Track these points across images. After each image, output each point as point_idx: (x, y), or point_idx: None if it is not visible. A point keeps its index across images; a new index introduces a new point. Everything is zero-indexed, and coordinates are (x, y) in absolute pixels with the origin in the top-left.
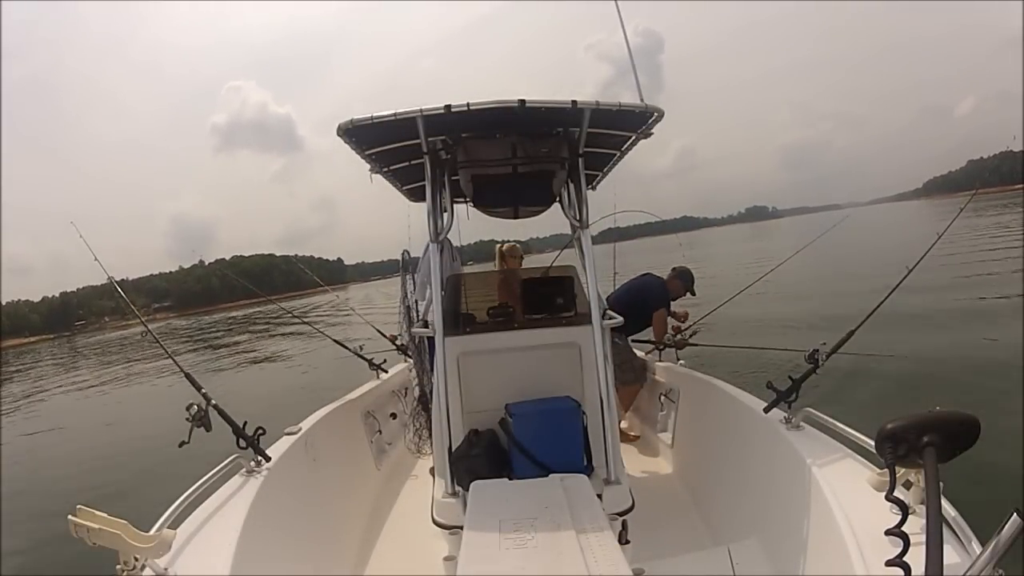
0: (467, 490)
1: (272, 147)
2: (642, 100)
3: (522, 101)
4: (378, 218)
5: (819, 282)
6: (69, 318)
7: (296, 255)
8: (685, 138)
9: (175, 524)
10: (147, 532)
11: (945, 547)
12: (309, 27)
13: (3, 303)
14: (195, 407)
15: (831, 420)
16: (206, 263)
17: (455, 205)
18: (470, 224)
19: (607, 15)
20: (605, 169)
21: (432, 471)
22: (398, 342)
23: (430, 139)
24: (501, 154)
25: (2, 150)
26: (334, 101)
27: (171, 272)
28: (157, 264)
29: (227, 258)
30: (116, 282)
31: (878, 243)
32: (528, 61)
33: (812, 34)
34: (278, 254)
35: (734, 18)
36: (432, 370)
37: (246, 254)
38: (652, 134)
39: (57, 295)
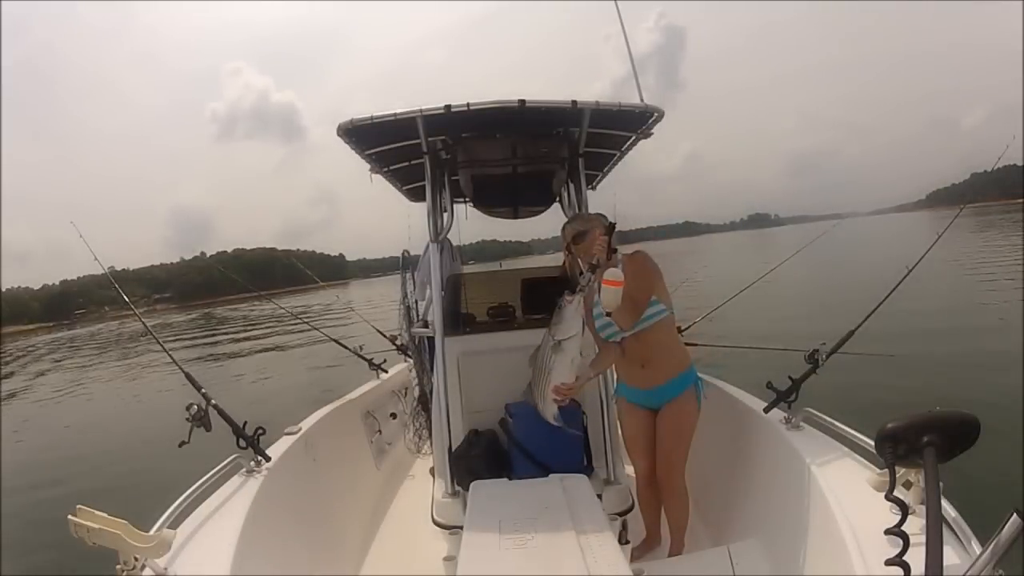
0: (467, 490)
1: (273, 136)
2: (642, 100)
3: (522, 101)
4: (381, 212)
5: (818, 286)
6: (69, 306)
7: (298, 249)
8: (694, 141)
9: (175, 524)
10: (147, 532)
11: (945, 547)
12: (312, 12)
13: (2, 290)
14: (195, 407)
15: (831, 420)
16: (207, 255)
17: (455, 205)
18: (471, 223)
19: (628, 8)
20: (605, 169)
21: (432, 471)
22: (398, 342)
23: (430, 139)
24: (501, 154)
25: (1, 137)
26: (338, 87)
27: (172, 263)
28: (156, 253)
29: (228, 251)
30: (115, 272)
31: (878, 251)
32: (543, 55)
33: (826, 40)
34: (279, 248)
35: (752, 19)
36: (432, 370)
37: (248, 247)
38: (652, 134)
39: (57, 283)
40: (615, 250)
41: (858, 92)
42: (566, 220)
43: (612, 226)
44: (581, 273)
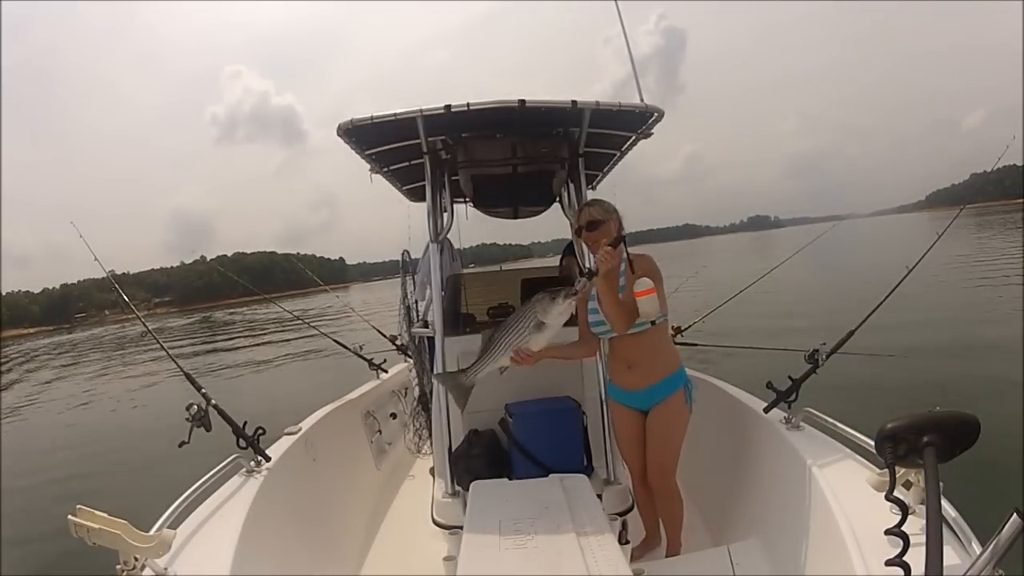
0: (467, 490)
1: (274, 139)
2: (642, 100)
3: (522, 101)
4: (381, 215)
5: (818, 287)
6: (69, 310)
7: (298, 253)
8: (694, 144)
9: (175, 524)
10: (147, 532)
11: (945, 547)
12: (312, 14)
13: (2, 294)
14: (195, 407)
15: (831, 420)
16: (207, 258)
17: (455, 205)
18: (470, 225)
19: (629, 8)
20: (605, 169)
21: (432, 471)
22: (398, 342)
23: (430, 139)
24: (501, 154)
25: (1, 139)
26: (339, 89)
27: (172, 267)
28: (156, 257)
29: (228, 255)
30: (116, 276)
31: (878, 252)
32: (544, 57)
33: (827, 42)
34: (279, 252)
35: (753, 20)
36: (432, 370)
37: (248, 250)
38: (652, 134)
39: (57, 287)
40: (632, 261)
41: (859, 94)
42: (585, 202)
43: (621, 238)
44: (581, 273)
